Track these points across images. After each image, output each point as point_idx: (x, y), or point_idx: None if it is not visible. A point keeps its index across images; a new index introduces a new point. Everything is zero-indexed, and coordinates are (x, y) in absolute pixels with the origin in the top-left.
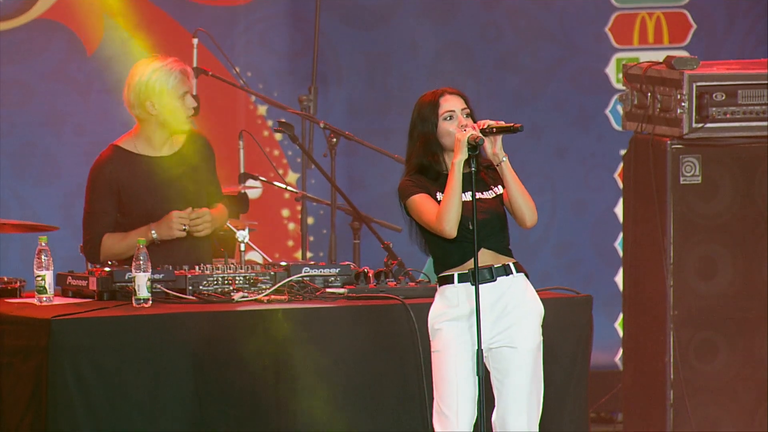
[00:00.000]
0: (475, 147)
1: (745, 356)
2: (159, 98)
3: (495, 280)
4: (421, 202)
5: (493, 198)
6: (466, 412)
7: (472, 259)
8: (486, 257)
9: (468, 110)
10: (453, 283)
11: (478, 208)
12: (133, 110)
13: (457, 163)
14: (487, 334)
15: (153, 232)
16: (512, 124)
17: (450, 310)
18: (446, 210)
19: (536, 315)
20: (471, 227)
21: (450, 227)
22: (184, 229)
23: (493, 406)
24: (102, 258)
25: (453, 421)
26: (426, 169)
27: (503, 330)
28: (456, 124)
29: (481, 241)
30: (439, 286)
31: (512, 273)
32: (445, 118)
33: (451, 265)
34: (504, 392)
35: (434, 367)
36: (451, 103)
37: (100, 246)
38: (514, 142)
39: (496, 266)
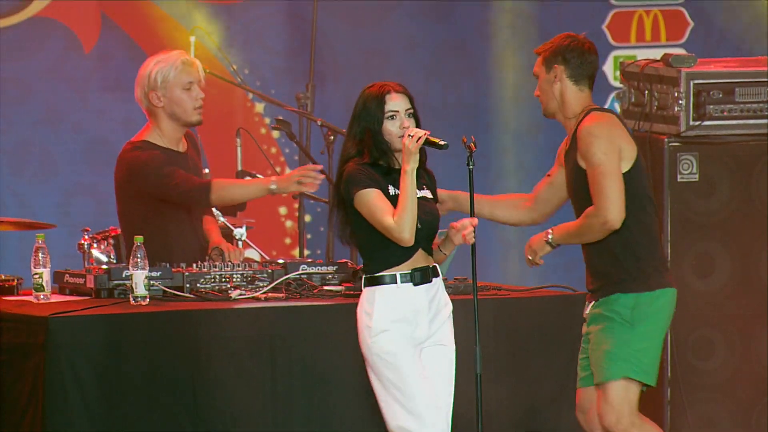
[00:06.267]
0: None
1: (742, 354)
2: (163, 90)
3: (431, 281)
4: (375, 198)
5: (433, 200)
6: (439, 407)
7: (413, 259)
8: (420, 258)
9: (412, 110)
10: (396, 283)
11: (422, 208)
12: (142, 105)
13: (409, 171)
14: (425, 332)
15: (273, 185)
16: (440, 141)
17: (392, 312)
18: (406, 219)
19: (450, 315)
20: (419, 227)
21: (410, 236)
22: (299, 183)
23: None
24: (213, 198)
25: (430, 419)
26: (376, 163)
27: (437, 329)
28: (398, 124)
29: (419, 241)
30: (373, 285)
31: (438, 275)
32: (389, 117)
33: (392, 264)
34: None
35: (388, 371)
36: (395, 103)
37: (211, 187)
38: (511, 140)
39: (431, 266)
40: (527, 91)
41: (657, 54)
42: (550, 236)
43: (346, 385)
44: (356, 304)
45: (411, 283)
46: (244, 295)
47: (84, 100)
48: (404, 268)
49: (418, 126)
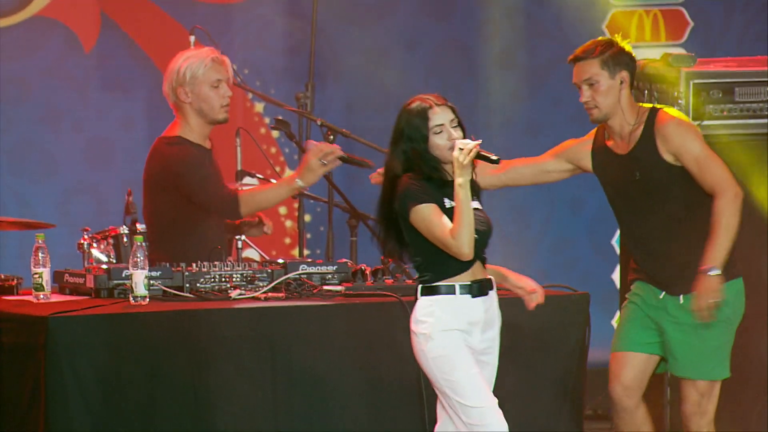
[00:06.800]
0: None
1: (742, 353)
2: (191, 86)
3: (487, 294)
4: (432, 214)
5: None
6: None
7: (472, 270)
8: (478, 270)
9: (456, 120)
10: (454, 293)
11: (476, 218)
12: (169, 99)
13: (463, 184)
14: (477, 344)
15: (299, 181)
16: (491, 155)
17: (449, 321)
18: (464, 234)
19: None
20: (476, 238)
21: (470, 250)
22: (324, 164)
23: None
24: (243, 211)
25: (491, 410)
26: (429, 177)
27: (488, 342)
28: (446, 137)
29: (477, 253)
30: (430, 295)
31: (493, 287)
32: (435, 132)
33: (450, 275)
34: None
35: (443, 374)
36: (440, 116)
37: (239, 201)
38: (512, 140)
39: (487, 279)
40: (527, 91)
41: (657, 54)
42: (713, 270)
43: (346, 384)
44: (356, 304)
45: (469, 295)
46: (244, 294)
47: (84, 99)
48: (463, 278)
49: (465, 136)
